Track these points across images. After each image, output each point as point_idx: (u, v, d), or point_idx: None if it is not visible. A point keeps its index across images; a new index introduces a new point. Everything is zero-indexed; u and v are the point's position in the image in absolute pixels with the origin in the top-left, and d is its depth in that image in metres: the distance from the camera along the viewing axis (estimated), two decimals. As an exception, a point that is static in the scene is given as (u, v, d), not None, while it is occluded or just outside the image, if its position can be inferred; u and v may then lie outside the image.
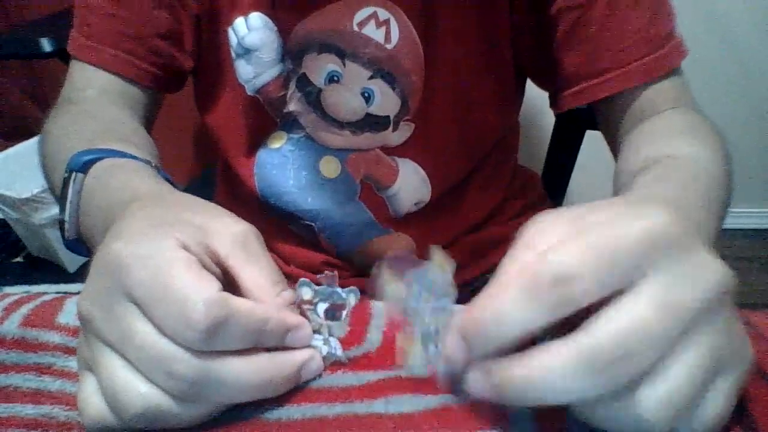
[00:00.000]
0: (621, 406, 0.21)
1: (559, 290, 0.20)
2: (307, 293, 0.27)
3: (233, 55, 0.50)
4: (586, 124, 0.75)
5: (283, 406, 0.26)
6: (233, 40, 0.49)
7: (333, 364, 0.28)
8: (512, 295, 0.21)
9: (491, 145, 0.57)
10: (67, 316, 0.32)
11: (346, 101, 0.50)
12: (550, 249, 0.21)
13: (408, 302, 0.26)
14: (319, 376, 0.27)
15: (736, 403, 0.23)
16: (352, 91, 0.50)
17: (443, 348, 0.25)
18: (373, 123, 0.51)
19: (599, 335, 0.20)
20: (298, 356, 0.26)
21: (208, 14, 0.50)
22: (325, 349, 0.28)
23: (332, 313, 0.27)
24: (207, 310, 0.22)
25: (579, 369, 0.20)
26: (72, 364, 0.29)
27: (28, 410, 0.26)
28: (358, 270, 0.58)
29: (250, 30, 0.48)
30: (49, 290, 0.36)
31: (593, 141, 0.75)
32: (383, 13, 0.47)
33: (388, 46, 0.48)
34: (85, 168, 0.36)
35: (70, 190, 0.35)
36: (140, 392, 0.22)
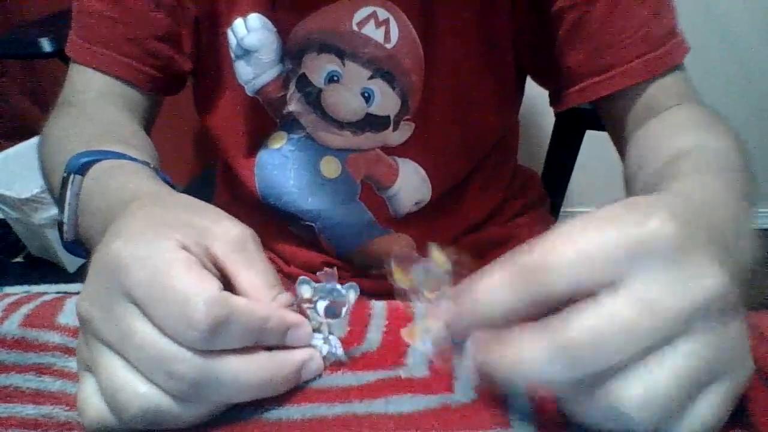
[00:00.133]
0: (605, 402, 0.21)
1: (536, 277, 0.21)
2: (306, 291, 0.27)
3: (233, 56, 0.50)
4: (586, 124, 0.75)
5: (283, 406, 0.26)
6: (232, 41, 0.49)
7: (333, 363, 0.28)
8: (492, 279, 0.22)
9: (491, 145, 0.57)
10: (67, 316, 0.32)
11: (346, 101, 0.50)
12: (537, 241, 0.22)
13: (411, 295, 0.27)
14: (319, 375, 0.27)
15: (735, 405, 0.23)
16: (352, 91, 0.50)
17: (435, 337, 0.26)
18: (373, 123, 0.51)
19: (573, 325, 0.20)
20: (298, 356, 0.26)
21: (207, 16, 0.50)
22: (325, 348, 0.28)
23: (332, 311, 0.27)
24: (208, 309, 0.22)
25: (551, 357, 0.20)
26: (72, 364, 0.29)
27: (29, 410, 0.26)
28: (358, 270, 0.58)
29: (249, 31, 0.48)
30: (49, 290, 0.36)
31: (593, 141, 0.75)
32: (382, 13, 0.47)
33: (388, 46, 0.48)
34: (83, 170, 0.36)
35: (68, 192, 0.35)
36: (139, 392, 0.22)
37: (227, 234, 0.26)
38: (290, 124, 0.53)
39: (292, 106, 0.51)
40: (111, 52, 0.48)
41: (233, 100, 0.52)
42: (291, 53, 0.50)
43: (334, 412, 0.26)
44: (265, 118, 0.53)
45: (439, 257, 0.26)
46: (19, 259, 1.18)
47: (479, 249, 0.60)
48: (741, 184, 0.33)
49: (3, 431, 0.25)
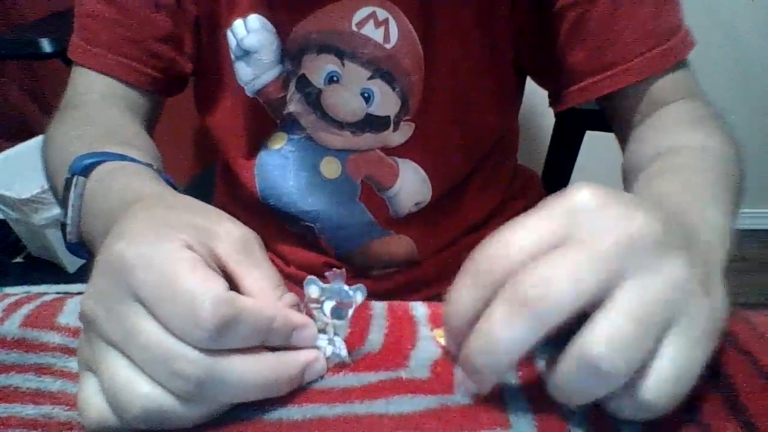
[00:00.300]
0: (577, 355, 0.21)
1: (486, 270, 0.23)
2: (314, 291, 0.27)
3: (232, 57, 0.50)
4: (586, 124, 0.75)
5: (284, 406, 0.26)
6: (232, 42, 0.49)
7: (336, 365, 0.28)
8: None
9: (491, 145, 0.57)
10: (68, 316, 0.32)
11: (345, 102, 0.50)
12: (526, 271, 0.22)
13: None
14: (321, 377, 0.27)
15: (733, 396, 0.23)
16: (352, 91, 0.50)
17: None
18: (373, 123, 0.51)
19: (518, 280, 0.22)
20: (303, 356, 0.26)
21: (206, 17, 0.50)
22: (329, 350, 0.28)
23: (338, 312, 0.27)
24: (215, 308, 0.22)
25: (511, 318, 0.22)
26: (72, 364, 0.29)
27: (29, 410, 0.26)
28: (358, 270, 0.58)
29: (249, 32, 0.48)
30: (49, 290, 0.36)
31: (593, 141, 0.75)
32: (382, 13, 0.47)
33: (387, 46, 0.48)
34: (86, 171, 0.36)
35: (71, 194, 0.35)
36: (142, 392, 0.22)
37: (231, 235, 0.26)
38: (290, 124, 0.53)
39: (292, 107, 0.51)
40: (112, 53, 0.48)
41: (233, 101, 0.53)
42: (291, 54, 0.50)
43: (335, 413, 0.26)
44: (265, 119, 0.53)
45: None
46: (19, 260, 1.18)
47: None
48: (720, 185, 0.34)
49: (3, 431, 0.25)
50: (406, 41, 0.48)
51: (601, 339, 0.21)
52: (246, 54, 0.49)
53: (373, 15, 0.47)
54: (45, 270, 1.14)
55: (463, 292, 0.24)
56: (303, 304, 0.27)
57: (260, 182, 0.56)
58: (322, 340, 0.28)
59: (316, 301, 0.27)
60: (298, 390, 0.26)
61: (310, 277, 0.27)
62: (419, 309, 0.33)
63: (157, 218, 0.26)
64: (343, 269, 0.27)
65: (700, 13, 1.25)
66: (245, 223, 0.28)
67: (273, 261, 0.61)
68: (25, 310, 0.32)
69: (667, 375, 0.21)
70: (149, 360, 0.22)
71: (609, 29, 0.45)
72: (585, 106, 0.50)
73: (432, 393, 0.27)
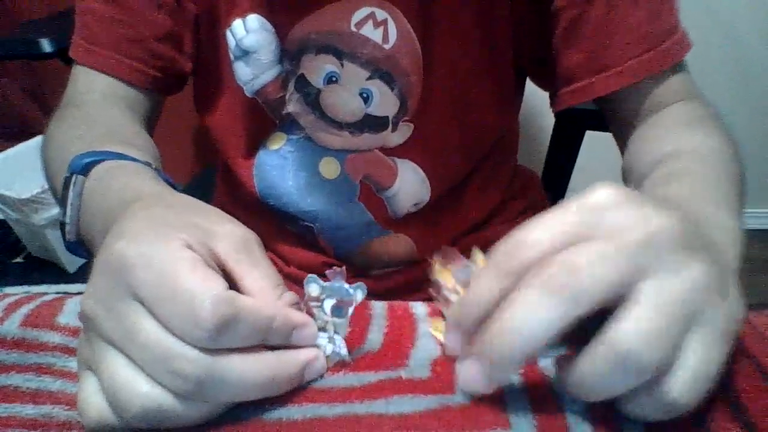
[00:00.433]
0: (607, 345, 0.21)
1: (511, 258, 0.23)
2: (315, 290, 0.27)
3: (232, 57, 0.50)
4: (586, 124, 0.75)
5: (284, 406, 0.26)
6: (231, 42, 0.49)
7: (336, 363, 0.28)
8: (480, 274, 0.24)
9: (490, 145, 0.57)
10: (68, 316, 0.32)
11: (344, 102, 0.50)
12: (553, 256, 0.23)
13: (446, 291, 0.28)
14: (321, 376, 0.27)
15: (735, 397, 0.23)
16: (351, 91, 0.50)
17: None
18: (372, 124, 0.51)
19: (549, 263, 0.22)
20: (303, 355, 0.26)
21: (206, 16, 0.50)
22: (329, 348, 0.28)
23: (339, 310, 0.27)
24: (215, 308, 0.22)
25: (538, 295, 0.22)
26: (72, 364, 0.29)
27: (29, 410, 0.26)
28: (357, 270, 0.58)
29: (248, 32, 0.48)
30: (49, 290, 0.36)
31: (593, 141, 0.75)
32: (381, 14, 0.47)
33: (386, 47, 0.48)
34: (85, 170, 0.36)
35: (70, 193, 0.35)
36: (142, 391, 0.22)
37: (231, 235, 0.26)
38: (289, 124, 0.53)
39: (291, 107, 0.51)
40: (112, 53, 0.48)
41: (232, 101, 0.53)
42: (290, 54, 0.50)
43: (335, 413, 0.26)
44: (264, 119, 0.53)
45: (482, 261, 0.27)
46: (19, 260, 1.18)
47: (480, 249, 0.60)
48: (722, 187, 0.34)
49: (3, 431, 0.25)
50: (405, 42, 0.48)
51: (630, 332, 0.21)
52: (245, 54, 0.49)
53: (371, 15, 0.47)
54: (45, 270, 1.14)
55: (482, 281, 0.24)
56: (303, 303, 0.27)
57: (259, 182, 0.56)
58: (323, 339, 0.28)
59: (317, 299, 0.27)
60: (298, 390, 0.26)
61: (310, 275, 0.27)
62: (419, 308, 0.32)
63: (157, 217, 0.26)
64: (344, 267, 0.27)
65: (700, 13, 1.25)
66: (245, 223, 0.28)
67: (272, 261, 0.61)
68: (25, 310, 0.32)
69: (692, 373, 0.22)
70: (149, 359, 0.22)
71: (604, 31, 0.45)
72: (585, 106, 0.50)
73: (432, 393, 0.27)
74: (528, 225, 0.23)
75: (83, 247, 0.38)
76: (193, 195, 0.31)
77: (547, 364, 0.27)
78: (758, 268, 1.51)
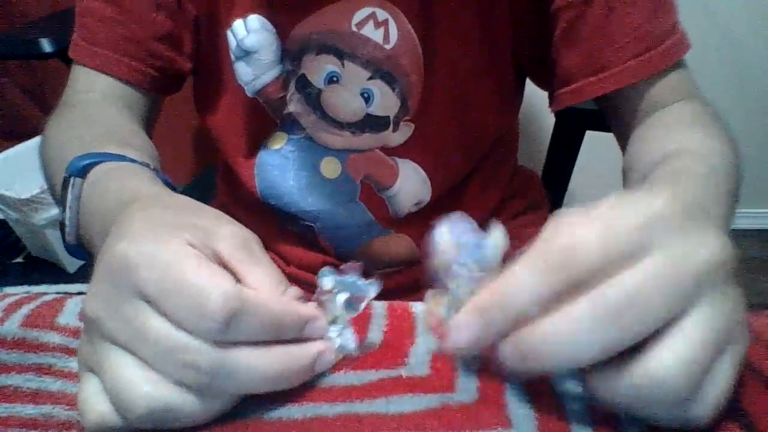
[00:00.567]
0: (641, 372, 0.21)
1: (565, 257, 0.22)
2: (328, 283, 0.27)
3: (232, 57, 0.50)
4: (586, 124, 0.75)
5: (284, 405, 0.26)
6: (232, 42, 0.49)
7: (346, 356, 0.28)
8: (523, 268, 0.23)
9: (490, 145, 0.57)
10: (68, 316, 0.32)
11: (345, 102, 0.50)
12: (557, 232, 0.23)
13: (452, 265, 0.26)
14: (326, 373, 0.27)
15: (734, 400, 0.23)
16: (352, 91, 0.50)
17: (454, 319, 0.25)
18: (373, 123, 0.51)
19: (610, 287, 0.21)
20: (313, 348, 0.26)
21: (207, 17, 0.50)
22: (339, 341, 0.28)
23: (350, 304, 0.27)
24: (224, 301, 0.22)
25: (591, 320, 0.21)
26: (72, 364, 0.29)
27: (29, 410, 0.26)
28: (362, 276, 0.58)
29: (249, 32, 0.48)
30: (49, 290, 0.36)
31: (593, 141, 0.75)
32: (381, 14, 0.47)
33: (387, 47, 0.48)
34: (83, 172, 0.36)
35: (69, 195, 0.35)
36: (147, 391, 0.22)
37: (231, 235, 0.27)
38: (290, 124, 0.53)
39: (292, 107, 0.52)
40: (111, 52, 0.48)
41: (233, 101, 0.53)
42: (290, 54, 0.50)
43: (336, 412, 0.26)
44: (265, 119, 0.53)
45: (497, 238, 0.25)
46: (19, 260, 1.18)
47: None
48: (721, 188, 0.34)
49: (3, 431, 0.25)
50: (406, 42, 0.48)
51: (670, 361, 0.21)
52: (246, 54, 0.49)
53: (372, 15, 0.47)
54: (45, 270, 1.14)
55: (526, 278, 0.23)
56: (315, 295, 0.27)
57: (260, 182, 0.56)
58: (332, 332, 0.28)
59: (329, 292, 0.27)
60: (299, 389, 0.26)
61: (325, 268, 0.27)
62: (419, 308, 0.33)
63: (156, 218, 0.26)
64: (361, 262, 0.27)
65: (698, 14, 1.25)
66: (245, 223, 0.28)
67: (273, 260, 0.61)
68: (25, 310, 0.32)
69: (720, 394, 0.22)
70: (160, 355, 0.22)
71: (603, 32, 0.45)
72: (585, 106, 0.50)
73: (432, 391, 0.27)
74: (583, 221, 0.23)
75: (83, 249, 0.38)
76: (193, 195, 0.31)
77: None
78: (757, 268, 1.51)
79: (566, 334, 0.22)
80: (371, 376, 0.28)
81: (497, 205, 0.61)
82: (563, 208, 0.25)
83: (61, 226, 0.37)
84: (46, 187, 0.45)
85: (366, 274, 0.28)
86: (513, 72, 0.53)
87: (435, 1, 0.47)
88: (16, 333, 0.31)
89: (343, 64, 0.49)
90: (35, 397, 0.27)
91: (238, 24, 0.49)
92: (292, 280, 0.59)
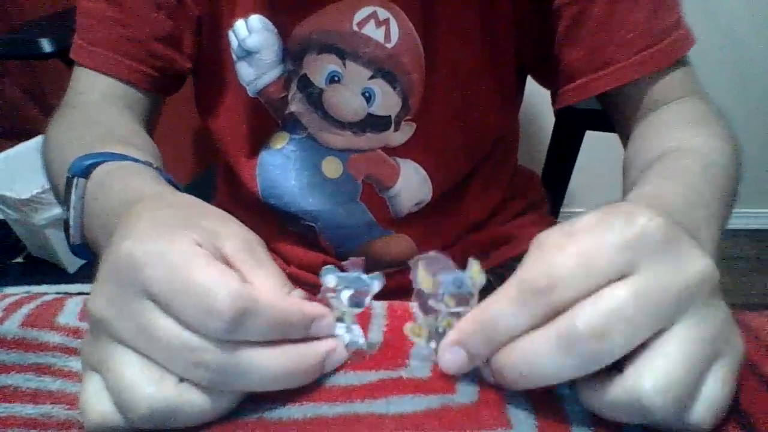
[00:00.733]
0: (623, 391, 0.22)
1: (544, 296, 0.22)
2: (331, 281, 0.27)
3: (234, 57, 0.50)
4: (586, 124, 0.75)
5: (284, 405, 0.26)
6: (234, 42, 0.49)
7: (355, 352, 0.28)
8: (504, 304, 0.23)
9: (491, 144, 0.57)
10: (67, 316, 0.32)
11: (347, 101, 0.50)
12: (537, 258, 0.23)
13: (430, 299, 0.27)
14: (342, 366, 0.28)
15: (734, 400, 0.23)
16: (353, 91, 0.50)
17: (440, 348, 0.27)
18: (374, 123, 0.51)
19: (574, 318, 0.22)
20: (323, 346, 0.26)
21: (208, 17, 0.50)
22: (347, 337, 0.28)
23: (355, 300, 0.27)
24: (232, 300, 0.22)
25: (556, 349, 0.22)
26: (72, 364, 0.29)
27: (28, 410, 0.26)
28: (364, 272, 0.58)
29: (251, 32, 0.48)
30: (49, 290, 0.36)
31: (593, 141, 0.75)
32: (383, 13, 0.47)
33: (388, 46, 0.48)
34: (86, 172, 0.36)
35: (72, 195, 0.35)
36: (149, 391, 0.22)
37: (236, 236, 0.27)
38: (292, 124, 0.53)
39: (294, 107, 0.52)
40: (111, 53, 0.48)
41: (235, 101, 0.53)
42: (292, 54, 0.50)
43: (336, 412, 0.26)
44: (266, 119, 0.53)
45: (474, 273, 0.26)
46: (19, 260, 1.18)
47: (480, 249, 0.60)
48: (718, 185, 0.34)
49: (3, 430, 0.25)
50: (407, 41, 0.48)
51: (654, 382, 0.21)
52: (248, 54, 0.49)
53: (374, 15, 0.47)
54: (45, 270, 1.13)
55: (504, 309, 0.23)
56: (320, 294, 0.27)
57: (261, 182, 0.56)
58: (340, 329, 0.28)
59: (333, 290, 0.27)
60: (299, 389, 0.26)
61: (327, 266, 0.27)
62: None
63: (161, 218, 0.26)
64: (363, 258, 0.27)
65: (699, 14, 1.25)
66: (246, 222, 0.28)
67: (273, 260, 0.61)
68: (25, 309, 0.32)
69: (714, 401, 0.22)
70: (168, 354, 0.22)
71: (606, 27, 0.45)
72: (585, 105, 0.50)
73: (433, 392, 0.27)
74: (562, 247, 0.23)
75: (88, 249, 0.38)
76: (193, 195, 0.31)
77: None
78: (757, 268, 1.51)
79: (532, 358, 0.22)
80: (371, 376, 0.28)
81: (497, 205, 0.61)
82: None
83: (65, 226, 0.37)
84: (46, 186, 0.46)
85: (367, 273, 0.28)
86: (514, 71, 0.53)
87: (436, 0, 0.47)
88: (16, 333, 0.31)
89: (344, 64, 0.49)
90: (35, 396, 0.27)
91: (239, 24, 0.49)
92: (293, 280, 0.59)
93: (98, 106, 0.48)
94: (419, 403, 0.26)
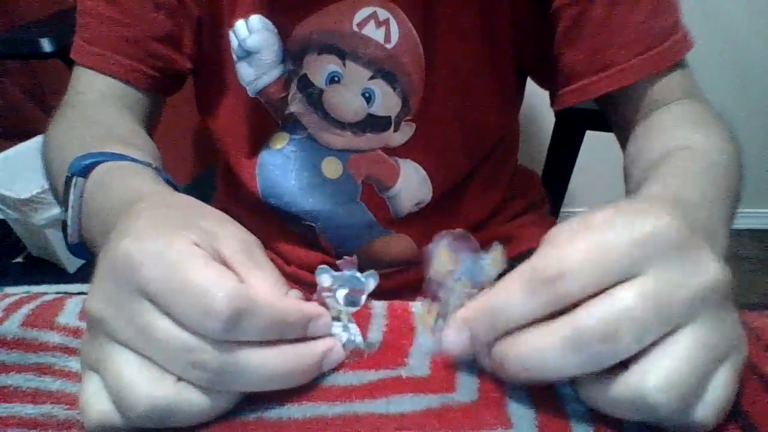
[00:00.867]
0: (626, 389, 0.22)
1: (553, 286, 0.22)
2: (326, 280, 0.27)
3: (234, 57, 0.50)
4: (586, 124, 0.75)
5: (284, 405, 0.26)
6: (234, 42, 0.49)
7: (353, 351, 0.28)
8: (512, 290, 0.23)
9: (491, 144, 0.57)
10: (67, 316, 0.32)
11: (347, 102, 0.50)
12: (548, 249, 0.23)
13: (448, 279, 0.26)
14: (325, 372, 0.27)
15: (734, 401, 0.23)
16: (353, 91, 0.50)
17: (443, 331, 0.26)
18: (374, 124, 0.51)
19: (583, 317, 0.21)
20: (320, 345, 0.26)
21: (208, 17, 0.50)
22: (344, 336, 0.28)
23: (351, 299, 0.27)
24: (229, 301, 0.22)
25: (563, 347, 0.22)
26: (72, 364, 0.29)
27: (28, 410, 0.26)
28: (358, 270, 0.58)
29: (251, 32, 0.48)
30: (49, 290, 0.36)
31: (593, 141, 0.75)
32: (383, 13, 0.47)
33: (388, 46, 0.48)
34: (85, 172, 0.36)
35: (71, 195, 0.35)
36: (148, 390, 0.22)
37: (233, 237, 0.27)
38: (292, 124, 0.53)
39: (294, 107, 0.52)
40: (111, 53, 0.48)
41: (235, 102, 0.53)
42: (292, 54, 0.50)
43: (335, 412, 0.26)
44: (266, 119, 0.53)
45: (495, 258, 0.26)
46: (19, 260, 1.18)
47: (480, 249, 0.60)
48: (721, 185, 0.34)
49: (3, 430, 0.25)
50: (407, 41, 0.48)
51: (658, 381, 0.21)
52: (248, 54, 0.49)
53: (374, 15, 0.47)
54: (45, 270, 1.13)
55: (513, 298, 0.23)
56: (316, 294, 0.27)
57: (261, 182, 0.56)
58: (337, 328, 0.28)
59: (328, 289, 0.27)
60: (298, 388, 0.26)
61: (321, 266, 0.27)
62: (419, 308, 0.32)
63: (159, 217, 0.26)
64: (355, 256, 0.27)
65: (699, 15, 1.25)
66: (245, 222, 0.28)
67: (273, 260, 0.61)
68: (25, 309, 0.32)
69: (718, 401, 0.22)
70: (166, 353, 0.22)
71: (606, 30, 0.45)
72: (585, 105, 0.50)
73: (433, 392, 0.27)
74: (576, 238, 0.23)
75: (85, 249, 0.38)
76: (192, 195, 0.31)
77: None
78: (758, 268, 1.51)
79: (537, 353, 0.22)
80: (371, 376, 0.28)
81: (497, 205, 0.61)
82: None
83: (64, 225, 0.37)
84: (46, 186, 0.46)
85: (363, 272, 0.28)
86: (514, 71, 0.53)
87: (436, 0, 0.47)
88: (16, 333, 0.31)
89: (344, 64, 0.49)
90: (35, 396, 0.27)
91: (240, 24, 0.49)
92: (293, 279, 0.60)
93: (98, 105, 0.48)
94: (419, 403, 0.26)
